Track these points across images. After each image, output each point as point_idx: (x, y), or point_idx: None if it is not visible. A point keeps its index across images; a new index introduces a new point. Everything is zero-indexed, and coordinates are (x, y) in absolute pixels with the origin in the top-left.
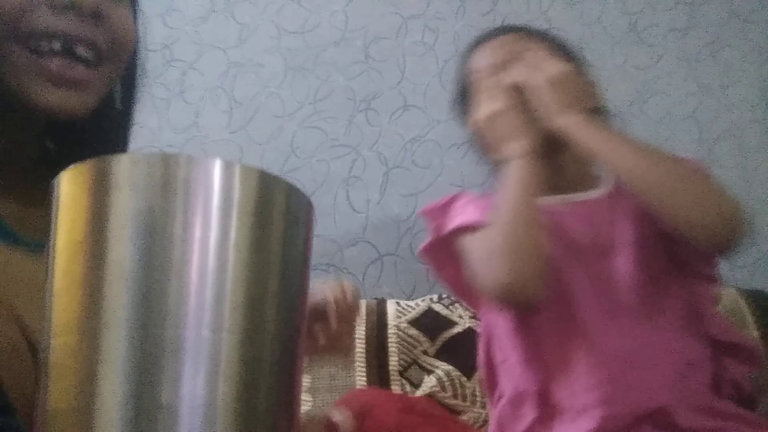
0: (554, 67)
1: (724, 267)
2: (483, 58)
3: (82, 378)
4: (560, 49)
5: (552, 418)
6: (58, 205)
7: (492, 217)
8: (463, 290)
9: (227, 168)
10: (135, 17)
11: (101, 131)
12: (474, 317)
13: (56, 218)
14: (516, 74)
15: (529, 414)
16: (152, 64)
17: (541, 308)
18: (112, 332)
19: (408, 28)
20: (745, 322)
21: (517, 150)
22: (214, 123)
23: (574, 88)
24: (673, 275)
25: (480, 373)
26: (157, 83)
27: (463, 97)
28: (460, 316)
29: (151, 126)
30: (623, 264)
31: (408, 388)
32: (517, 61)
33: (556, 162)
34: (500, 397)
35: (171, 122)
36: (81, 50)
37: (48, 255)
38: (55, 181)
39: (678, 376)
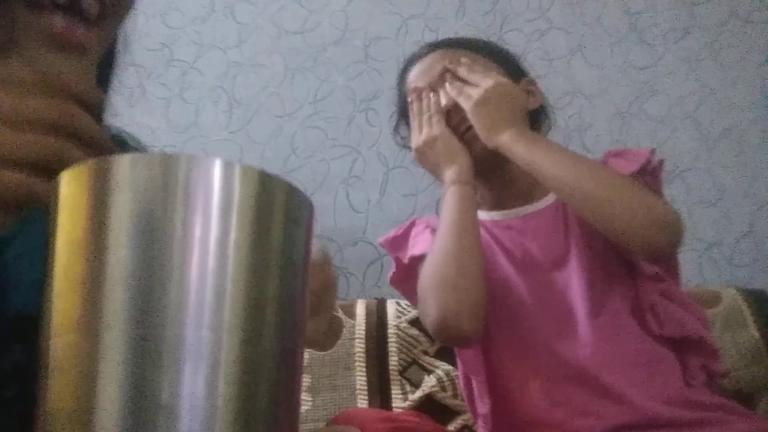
0: (482, 84)
1: (724, 267)
2: (415, 80)
3: (82, 378)
4: (490, 56)
5: None
6: (58, 205)
7: (432, 247)
8: None
9: (227, 168)
10: None
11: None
12: None
13: (56, 218)
14: (446, 96)
15: None
16: (152, 63)
17: (500, 328)
18: (112, 332)
19: (408, 28)
20: (745, 322)
21: (452, 176)
22: (214, 123)
23: (504, 102)
24: (620, 278)
25: (462, 391)
26: (157, 83)
27: (403, 118)
28: None
29: (151, 126)
30: (575, 273)
31: (408, 388)
32: (447, 81)
33: (504, 175)
34: (477, 415)
35: (171, 122)
36: (88, 4)
37: (48, 255)
38: (55, 181)
39: (643, 377)
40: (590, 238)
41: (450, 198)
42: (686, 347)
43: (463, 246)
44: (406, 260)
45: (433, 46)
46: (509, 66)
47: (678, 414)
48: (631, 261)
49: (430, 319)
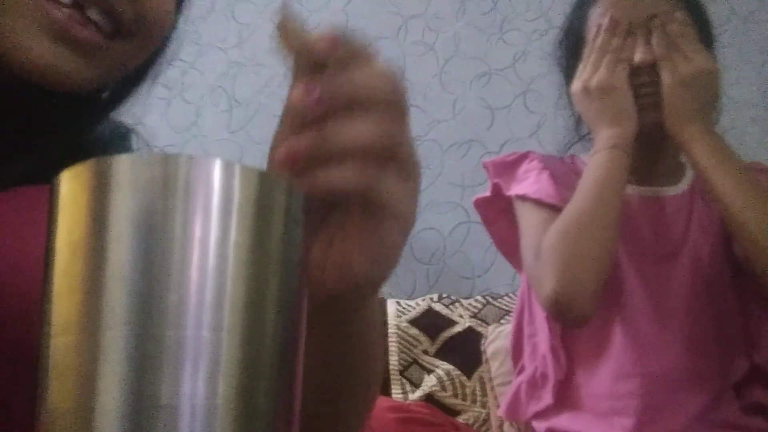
0: (695, 61)
1: None
2: (613, 6)
3: (82, 378)
4: (696, 16)
5: (569, 409)
6: (57, 205)
7: (565, 209)
8: (508, 249)
9: (227, 168)
10: (179, 4)
11: (90, 116)
12: (474, 316)
13: (56, 218)
14: (647, 51)
15: (545, 399)
16: None
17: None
18: (112, 332)
19: (408, 28)
20: None
21: (613, 139)
22: (214, 123)
23: (707, 92)
24: (732, 293)
25: (509, 338)
26: (157, 83)
27: (571, 45)
28: (461, 316)
29: (151, 126)
30: (681, 272)
31: (408, 387)
32: (656, 32)
33: (655, 152)
34: (522, 370)
35: (171, 122)
36: (93, 13)
37: (47, 255)
38: (55, 181)
39: (711, 402)
40: (711, 243)
41: (604, 162)
42: (760, 378)
43: (606, 216)
44: (508, 192)
45: None
46: (705, 34)
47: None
48: (744, 284)
49: (544, 292)
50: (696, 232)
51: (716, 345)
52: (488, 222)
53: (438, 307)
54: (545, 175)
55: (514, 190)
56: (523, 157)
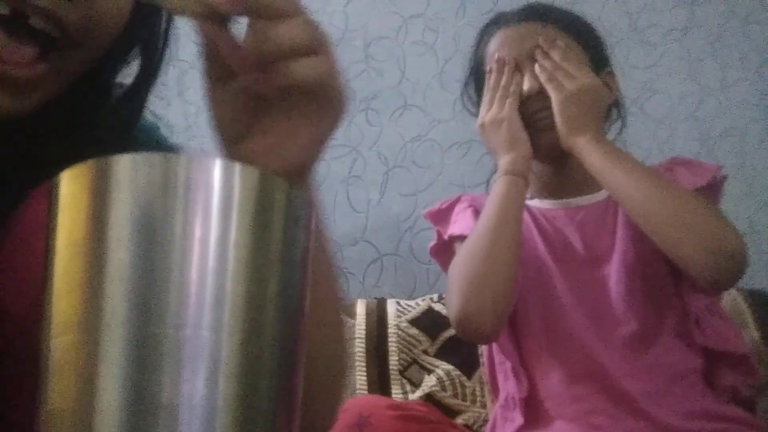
0: (578, 78)
1: None
2: (500, 47)
3: (82, 378)
4: (581, 40)
5: (541, 425)
6: (57, 205)
7: (469, 235)
8: None
9: (227, 168)
10: None
11: (49, 135)
12: None
13: (56, 218)
14: (532, 79)
15: (517, 420)
16: None
17: (529, 315)
18: (112, 332)
19: (408, 28)
20: (745, 322)
21: (507, 165)
22: None
23: (593, 103)
24: (668, 286)
25: (484, 372)
26: (157, 83)
27: (474, 81)
28: None
29: None
30: (616, 273)
31: (408, 387)
32: (537, 61)
33: (562, 166)
34: (497, 398)
35: (171, 122)
36: (37, 21)
37: (47, 255)
38: (55, 181)
39: (666, 389)
40: (639, 242)
41: (499, 188)
42: (722, 363)
43: (499, 243)
44: (445, 236)
45: (526, 15)
46: (596, 54)
47: (695, 426)
48: (680, 273)
49: (451, 313)
50: (624, 232)
51: (664, 336)
52: (445, 267)
53: (438, 307)
54: (469, 212)
55: (448, 232)
56: (455, 202)
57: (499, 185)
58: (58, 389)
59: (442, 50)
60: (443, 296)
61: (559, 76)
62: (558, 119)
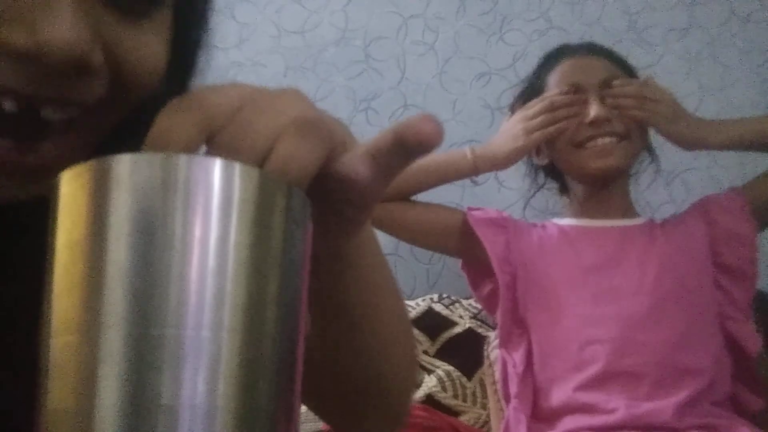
0: (665, 98)
1: None
2: (572, 74)
3: (81, 378)
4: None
5: (546, 421)
6: (58, 205)
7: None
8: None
9: (227, 168)
10: (186, 26)
11: None
12: (474, 317)
13: (56, 218)
14: (599, 107)
15: (523, 421)
16: None
17: (554, 326)
18: (112, 332)
19: (408, 28)
20: None
21: (485, 149)
22: None
23: (682, 107)
24: (702, 300)
25: (498, 380)
26: None
27: (522, 104)
28: (461, 317)
29: None
30: (648, 298)
31: None
32: (611, 90)
33: (606, 188)
34: (509, 400)
35: None
36: (48, 112)
37: (47, 255)
38: (55, 181)
39: (695, 402)
40: (672, 269)
41: (456, 153)
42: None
43: (420, 179)
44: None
45: (589, 49)
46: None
47: (686, 422)
48: (721, 293)
49: None
50: (657, 261)
51: (692, 353)
52: (474, 287)
53: (438, 307)
54: (492, 227)
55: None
56: (497, 214)
57: (458, 151)
58: (58, 389)
59: (442, 50)
60: (443, 296)
61: (649, 106)
62: (671, 134)
